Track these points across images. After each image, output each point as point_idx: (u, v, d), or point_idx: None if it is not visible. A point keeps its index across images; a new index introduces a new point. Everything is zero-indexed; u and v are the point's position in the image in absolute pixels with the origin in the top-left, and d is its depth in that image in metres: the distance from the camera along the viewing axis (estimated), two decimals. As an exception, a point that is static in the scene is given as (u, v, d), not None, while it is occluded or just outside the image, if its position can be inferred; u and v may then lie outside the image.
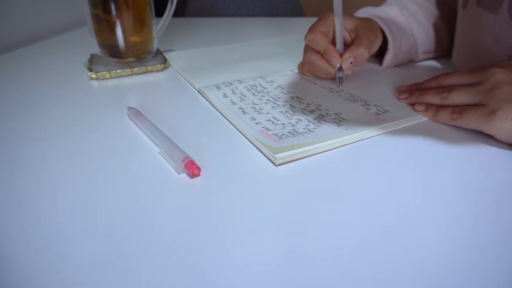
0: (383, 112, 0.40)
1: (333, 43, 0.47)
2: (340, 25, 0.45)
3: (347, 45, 0.47)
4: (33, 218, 0.26)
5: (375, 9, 0.55)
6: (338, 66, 0.45)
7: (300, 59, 0.51)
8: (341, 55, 0.45)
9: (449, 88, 0.37)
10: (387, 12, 0.54)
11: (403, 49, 0.53)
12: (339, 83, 0.46)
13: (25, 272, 0.22)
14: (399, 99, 0.43)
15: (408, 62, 0.56)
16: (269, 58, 0.60)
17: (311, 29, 0.46)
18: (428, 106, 0.39)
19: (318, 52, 0.46)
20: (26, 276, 0.21)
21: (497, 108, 0.32)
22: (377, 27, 0.49)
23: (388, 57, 0.52)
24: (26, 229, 0.25)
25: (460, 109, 0.35)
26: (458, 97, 0.36)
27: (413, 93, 0.41)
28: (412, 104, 0.41)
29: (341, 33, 0.46)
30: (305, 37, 0.46)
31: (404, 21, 0.53)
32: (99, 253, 0.23)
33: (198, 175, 0.30)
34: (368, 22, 0.49)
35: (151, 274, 0.21)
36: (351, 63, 0.44)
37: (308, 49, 0.48)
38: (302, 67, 0.51)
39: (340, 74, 0.45)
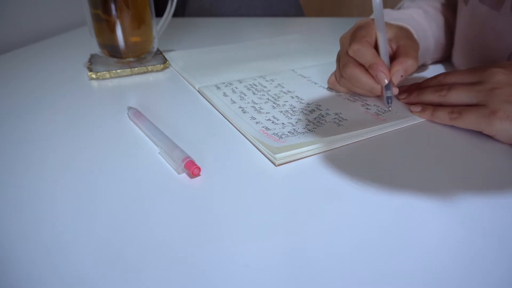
0: (383, 112, 0.40)
1: None
2: (383, 37, 0.39)
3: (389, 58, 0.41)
4: (33, 218, 0.26)
5: (399, 12, 0.49)
6: (387, 82, 0.38)
7: (300, 59, 0.50)
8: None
9: (448, 86, 0.37)
10: (413, 18, 0.49)
11: (422, 56, 0.49)
12: (388, 103, 0.40)
13: (25, 272, 0.22)
14: (398, 99, 0.43)
15: None
16: (269, 58, 0.60)
17: (356, 38, 0.39)
18: (424, 106, 0.38)
19: (361, 65, 0.40)
20: (26, 276, 0.21)
21: (498, 109, 0.32)
22: (412, 35, 0.45)
23: None
24: (26, 229, 0.25)
25: (459, 109, 0.35)
26: (457, 96, 0.36)
27: (412, 92, 0.41)
28: (412, 104, 0.41)
29: (385, 46, 0.40)
30: (350, 47, 0.39)
31: (427, 26, 0.50)
32: (99, 253, 0.23)
33: (198, 175, 0.30)
34: (405, 31, 0.44)
35: (151, 274, 0.21)
36: (401, 76, 0.39)
37: (349, 61, 0.40)
38: (335, 81, 0.45)
39: (389, 94, 0.39)
